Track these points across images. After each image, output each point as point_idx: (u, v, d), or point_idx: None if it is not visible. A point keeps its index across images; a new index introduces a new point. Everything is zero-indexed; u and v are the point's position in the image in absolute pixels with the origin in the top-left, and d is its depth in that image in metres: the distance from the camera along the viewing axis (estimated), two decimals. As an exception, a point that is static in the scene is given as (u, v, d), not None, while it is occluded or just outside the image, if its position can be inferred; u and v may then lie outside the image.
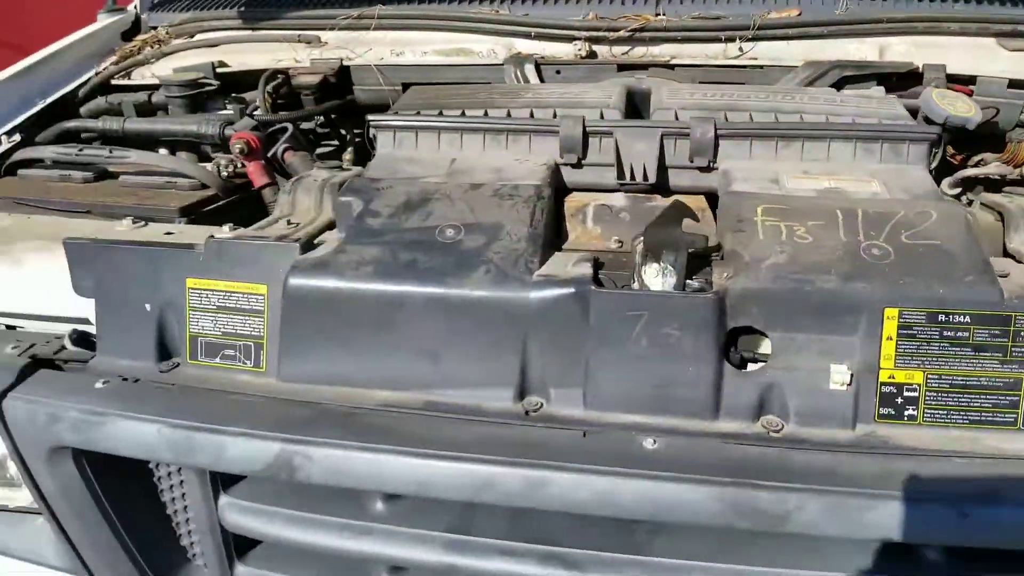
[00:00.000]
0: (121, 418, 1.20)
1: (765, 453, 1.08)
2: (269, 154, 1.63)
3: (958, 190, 1.78)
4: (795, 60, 1.79)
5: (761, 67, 1.79)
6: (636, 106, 1.62)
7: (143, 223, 1.42)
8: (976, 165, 1.81)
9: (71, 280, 1.33)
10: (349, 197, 1.33)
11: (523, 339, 1.17)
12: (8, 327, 1.41)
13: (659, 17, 1.81)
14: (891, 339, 1.12)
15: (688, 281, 1.18)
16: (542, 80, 1.82)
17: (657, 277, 1.17)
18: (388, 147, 1.51)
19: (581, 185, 1.46)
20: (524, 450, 1.11)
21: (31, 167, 1.71)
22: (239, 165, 1.63)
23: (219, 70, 1.95)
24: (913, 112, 1.59)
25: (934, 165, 1.40)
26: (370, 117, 1.51)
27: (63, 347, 1.31)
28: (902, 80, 1.76)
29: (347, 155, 1.91)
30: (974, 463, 1.07)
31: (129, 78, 2.05)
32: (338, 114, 1.91)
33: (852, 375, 1.12)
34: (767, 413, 1.15)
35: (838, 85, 1.74)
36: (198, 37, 2.09)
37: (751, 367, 1.17)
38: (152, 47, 2.13)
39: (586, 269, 1.19)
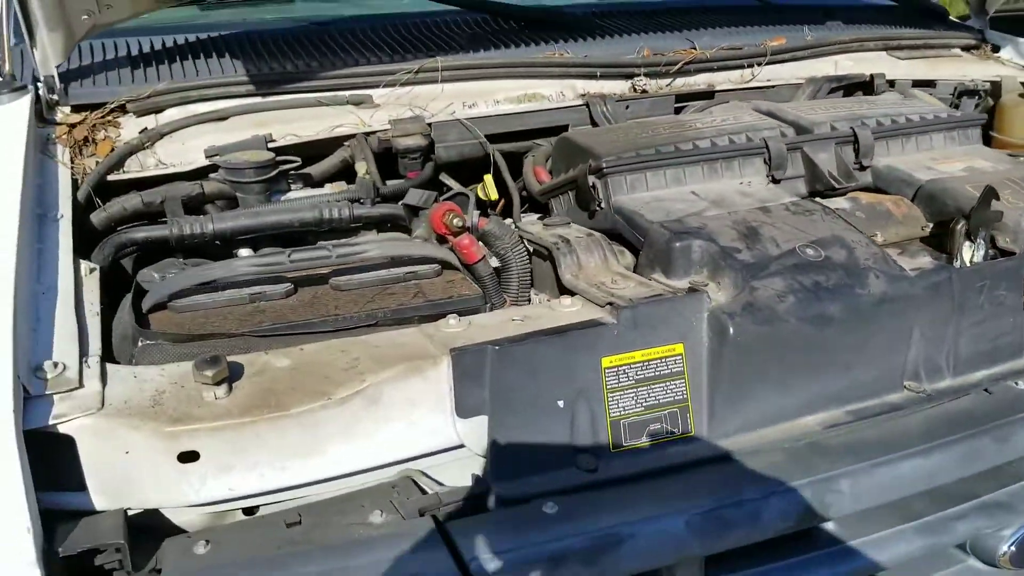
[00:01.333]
0: (638, 521, 1.04)
1: None
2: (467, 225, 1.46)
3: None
4: (788, 78, 2.13)
5: (773, 86, 2.10)
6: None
7: (465, 319, 1.19)
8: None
9: (455, 400, 1.08)
10: (689, 240, 1.30)
11: (910, 328, 1.31)
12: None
13: (696, 51, 2.01)
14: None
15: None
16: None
17: (967, 252, 1.40)
18: (622, 191, 1.48)
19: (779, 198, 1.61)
20: (972, 422, 1.26)
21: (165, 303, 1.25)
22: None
23: (269, 145, 1.62)
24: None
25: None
26: (604, 163, 1.46)
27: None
28: (857, 86, 2.22)
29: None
30: None
31: (122, 171, 1.58)
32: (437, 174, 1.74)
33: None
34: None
35: (828, 94, 2.14)
36: (192, 110, 1.68)
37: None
38: (105, 128, 1.66)
39: (927, 258, 1.37)
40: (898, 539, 1.24)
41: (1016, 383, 1.36)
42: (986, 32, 2.82)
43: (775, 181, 1.60)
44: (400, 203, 1.49)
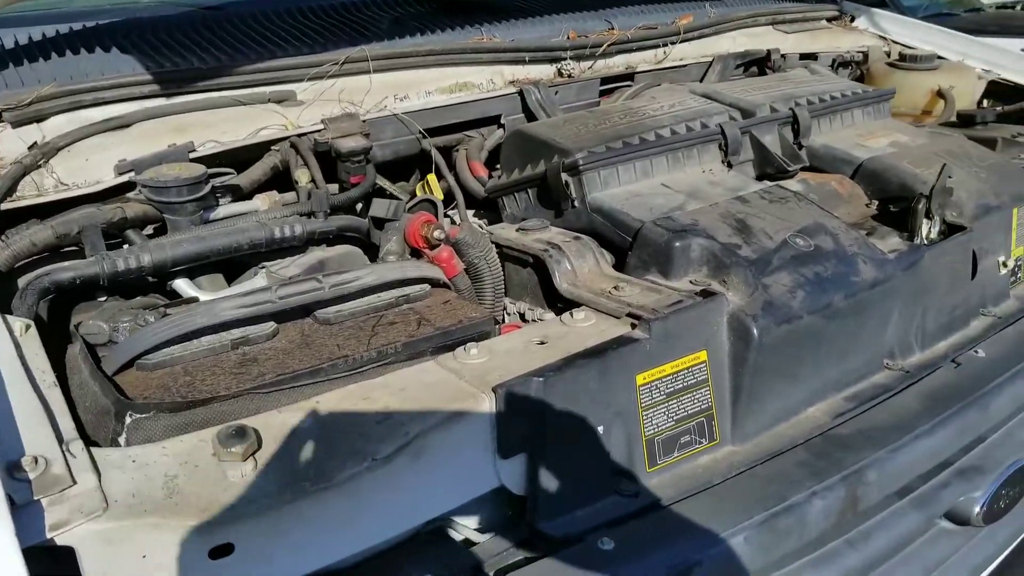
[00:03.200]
0: (701, 546, 1.00)
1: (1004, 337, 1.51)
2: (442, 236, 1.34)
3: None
4: (695, 57, 2.15)
5: (685, 65, 2.11)
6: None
7: (485, 347, 1.08)
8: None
9: (498, 441, 0.99)
10: (687, 240, 1.26)
11: (891, 309, 1.35)
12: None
13: (617, 31, 1.96)
14: (1015, 228, 1.64)
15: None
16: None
17: (927, 228, 1.47)
18: (596, 188, 1.42)
19: (734, 184, 1.62)
20: (957, 396, 1.33)
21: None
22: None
23: (192, 154, 1.41)
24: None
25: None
26: (580, 159, 1.38)
27: None
28: (755, 62, 2.28)
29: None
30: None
31: (15, 197, 1.32)
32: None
33: (1011, 260, 1.61)
34: (982, 305, 1.57)
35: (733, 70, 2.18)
36: (85, 116, 1.43)
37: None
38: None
39: (896, 239, 1.42)
40: (899, 517, 1.29)
41: (976, 351, 1.44)
42: (842, 3, 3.00)
43: (729, 167, 1.60)
44: (369, 215, 1.34)
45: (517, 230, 1.41)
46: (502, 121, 1.79)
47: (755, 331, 1.15)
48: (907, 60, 2.48)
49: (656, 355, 1.10)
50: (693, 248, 1.27)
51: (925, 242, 1.46)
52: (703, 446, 1.16)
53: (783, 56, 2.32)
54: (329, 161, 1.52)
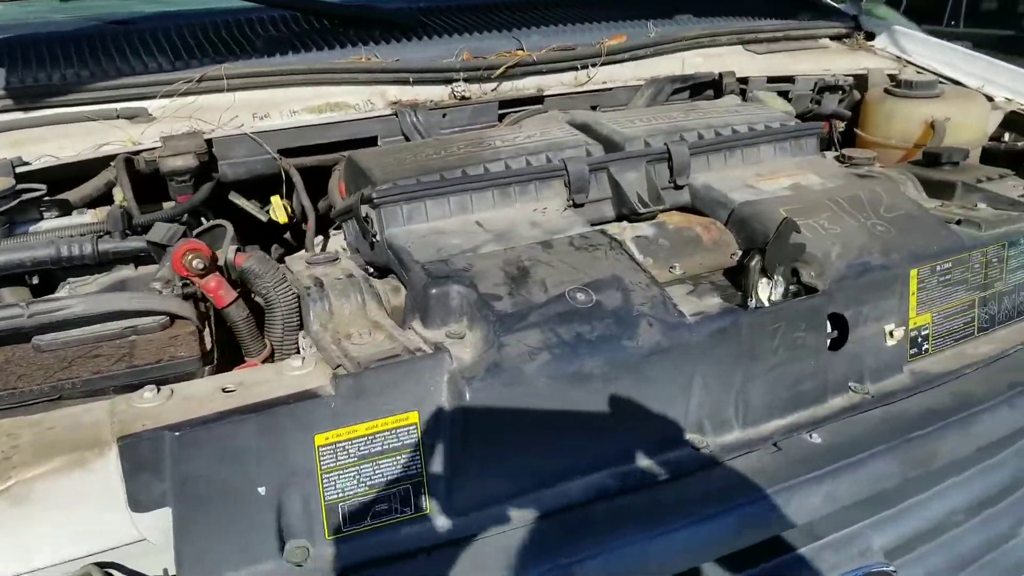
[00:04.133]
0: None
1: (867, 419, 1.30)
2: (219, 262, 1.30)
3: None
4: (628, 79, 2.00)
5: (610, 89, 1.97)
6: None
7: (167, 390, 1.04)
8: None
9: (127, 494, 0.94)
10: (446, 286, 1.17)
11: (690, 381, 1.20)
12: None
13: (523, 52, 1.86)
14: (914, 293, 1.42)
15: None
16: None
17: (765, 289, 1.30)
18: (398, 223, 1.34)
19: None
20: (724, 491, 1.16)
21: None
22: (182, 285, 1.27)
23: (19, 169, 1.44)
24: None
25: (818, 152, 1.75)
26: (375, 192, 1.31)
27: None
28: (704, 86, 2.10)
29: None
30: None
31: None
32: (214, 196, 1.56)
33: (904, 330, 1.40)
34: (851, 380, 1.37)
35: (669, 96, 2.01)
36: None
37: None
38: None
39: (718, 299, 1.26)
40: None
41: (810, 435, 1.26)
42: (861, 19, 2.73)
43: (578, 205, 1.47)
44: (147, 240, 1.33)
45: (307, 264, 1.35)
46: (379, 143, 1.73)
47: (467, 394, 1.05)
48: (902, 86, 2.22)
49: (345, 414, 1.02)
50: (452, 296, 1.17)
51: (765, 303, 1.29)
52: (405, 516, 1.06)
53: (743, 80, 2.13)
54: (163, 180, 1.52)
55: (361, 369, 1.04)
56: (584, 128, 1.64)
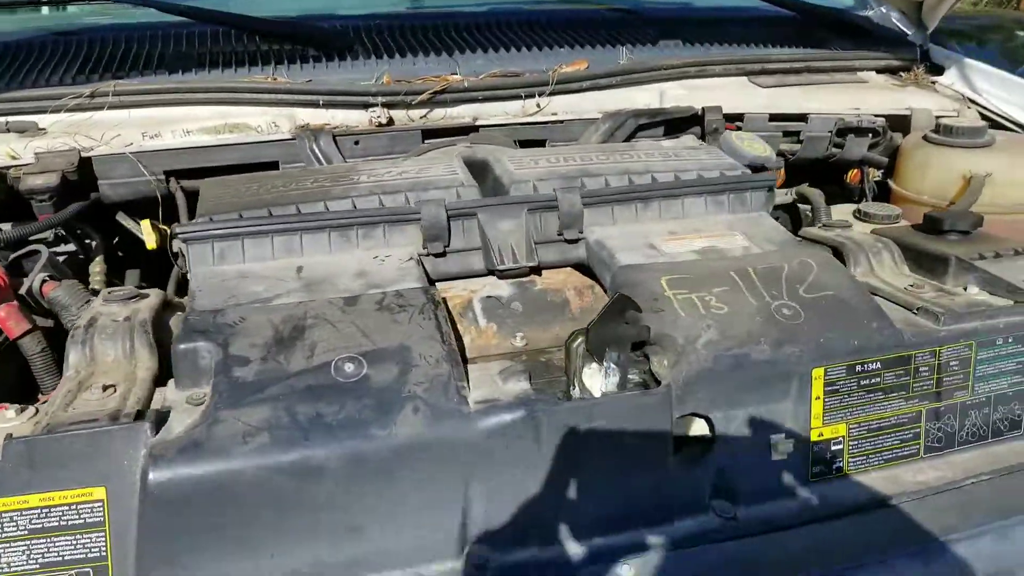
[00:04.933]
0: None
1: (724, 550, 1.03)
2: (22, 290, 1.22)
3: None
4: (589, 111, 1.78)
5: (561, 122, 1.76)
6: (477, 178, 1.48)
7: None
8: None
9: None
10: (194, 343, 1.03)
11: (465, 482, 0.99)
12: None
13: (456, 77, 1.69)
14: (819, 398, 1.13)
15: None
16: (341, 154, 1.60)
17: (598, 378, 1.06)
18: (206, 263, 1.21)
19: (447, 275, 1.30)
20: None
21: None
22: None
23: None
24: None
25: (770, 209, 1.46)
26: (178, 228, 1.20)
27: None
28: (683, 123, 1.84)
29: (96, 267, 1.51)
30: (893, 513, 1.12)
31: None
32: (82, 219, 1.50)
33: (792, 442, 1.11)
34: (717, 498, 1.10)
35: (633, 133, 1.77)
36: None
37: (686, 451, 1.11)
38: None
39: (524, 384, 1.03)
40: None
41: (622, 565, 1.01)
42: (929, 49, 2.35)
43: (439, 255, 1.28)
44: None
45: (104, 297, 1.23)
46: (281, 169, 1.61)
47: (151, 475, 0.90)
48: (940, 131, 1.87)
49: (17, 482, 0.90)
50: (200, 354, 1.03)
51: (595, 394, 1.05)
52: (79, 605, 0.93)
53: (733, 117, 1.86)
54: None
55: (43, 434, 0.91)
56: (480, 165, 1.45)
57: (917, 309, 1.23)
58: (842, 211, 1.82)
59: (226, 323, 1.06)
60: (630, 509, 1.05)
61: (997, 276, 1.32)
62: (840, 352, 1.12)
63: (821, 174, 2.04)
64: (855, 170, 2.07)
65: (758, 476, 1.11)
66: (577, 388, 1.06)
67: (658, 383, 1.07)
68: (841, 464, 1.16)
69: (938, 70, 2.31)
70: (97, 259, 1.52)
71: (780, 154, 1.95)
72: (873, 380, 1.15)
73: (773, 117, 1.90)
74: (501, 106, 1.73)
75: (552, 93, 1.75)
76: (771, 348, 1.10)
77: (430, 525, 0.99)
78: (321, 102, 1.62)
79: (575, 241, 1.34)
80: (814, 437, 1.14)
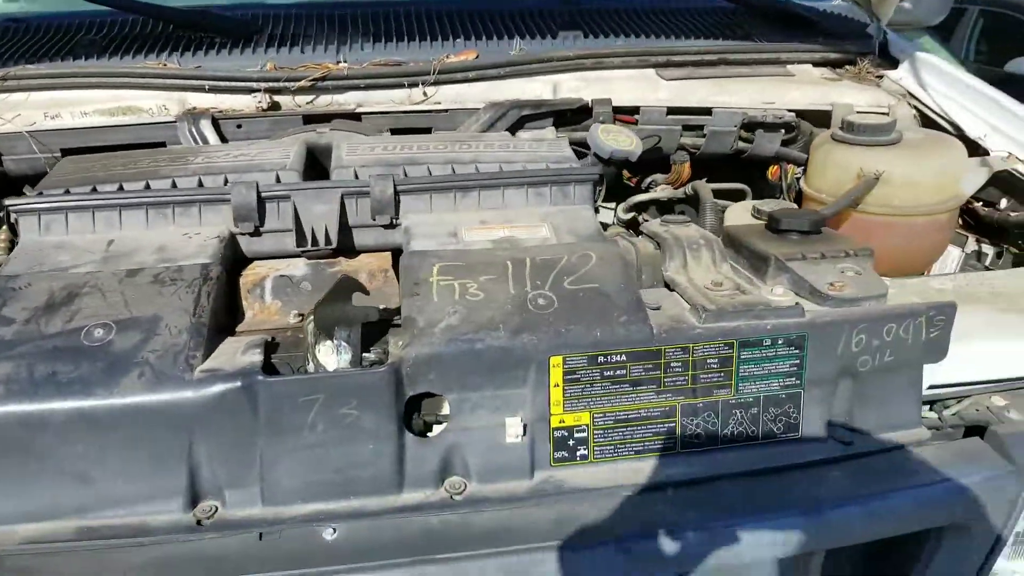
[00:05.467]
0: None
1: (446, 521, 1.09)
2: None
3: (632, 214, 1.92)
4: (476, 102, 1.82)
5: (445, 111, 1.81)
6: (319, 162, 1.57)
7: None
8: (648, 188, 1.96)
9: None
10: (-33, 304, 1.16)
11: (188, 443, 1.08)
12: None
13: (341, 65, 1.77)
14: (558, 386, 1.16)
15: (365, 354, 1.15)
16: (223, 136, 1.72)
17: (332, 355, 1.14)
18: (33, 233, 1.34)
19: (262, 254, 1.39)
20: (197, 566, 1.03)
21: None
22: None
23: None
24: (585, 146, 1.70)
25: (598, 203, 1.48)
26: (8, 201, 1.33)
27: None
28: (575, 115, 1.86)
29: (2, 235, 1.68)
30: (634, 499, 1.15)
31: None
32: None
33: (525, 426, 1.15)
34: (451, 475, 1.16)
35: (519, 124, 1.81)
36: None
37: (436, 430, 1.17)
38: None
39: (256, 356, 1.12)
40: None
41: (326, 529, 1.09)
42: (888, 43, 2.27)
43: (254, 234, 1.38)
44: None
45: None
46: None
47: None
48: (844, 127, 1.82)
49: None
50: (-29, 315, 1.16)
51: (328, 370, 1.13)
52: None
53: (628, 111, 1.86)
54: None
55: None
56: (324, 151, 1.53)
57: (691, 306, 1.24)
58: (746, 207, 1.81)
59: (11, 287, 1.19)
60: (351, 477, 1.12)
61: (802, 277, 1.31)
62: (580, 343, 1.15)
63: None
64: (774, 167, 2.04)
65: (492, 457, 1.16)
66: (312, 363, 1.13)
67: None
68: (586, 452, 1.19)
69: (895, 64, 2.23)
70: (2, 229, 1.68)
71: (683, 148, 1.95)
72: (618, 372, 1.17)
73: (673, 111, 1.89)
74: (387, 94, 1.80)
75: (437, 83, 1.80)
76: (508, 335, 1.14)
77: (157, 479, 1.09)
78: (207, 87, 1.73)
79: (392, 226, 1.41)
80: (555, 423, 1.17)
